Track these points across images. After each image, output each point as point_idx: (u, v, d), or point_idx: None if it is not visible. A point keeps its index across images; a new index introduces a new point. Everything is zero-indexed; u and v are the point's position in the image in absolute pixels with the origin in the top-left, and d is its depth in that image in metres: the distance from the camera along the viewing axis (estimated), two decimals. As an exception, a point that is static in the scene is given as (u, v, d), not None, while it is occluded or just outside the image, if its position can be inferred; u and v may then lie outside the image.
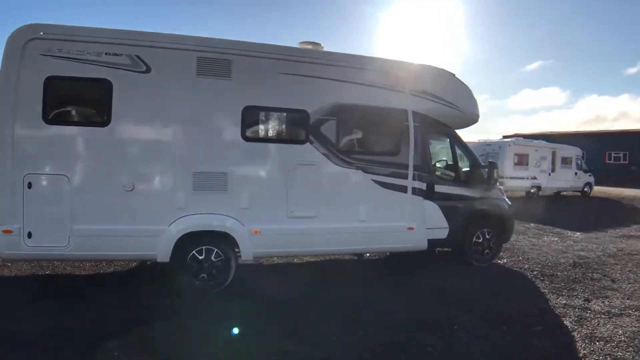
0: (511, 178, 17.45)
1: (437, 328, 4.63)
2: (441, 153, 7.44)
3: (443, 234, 6.70)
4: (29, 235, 4.85)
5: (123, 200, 5.10)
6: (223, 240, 5.46)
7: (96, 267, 6.41)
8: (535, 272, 6.80)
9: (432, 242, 6.65)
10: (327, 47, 6.21)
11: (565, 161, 19.90)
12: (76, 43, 4.94)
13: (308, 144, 5.78)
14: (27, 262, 6.05)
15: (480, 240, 7.05)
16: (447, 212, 6.68)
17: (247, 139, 5.53)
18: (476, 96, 7.14)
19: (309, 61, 5.84)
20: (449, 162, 7.28)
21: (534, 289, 6.04)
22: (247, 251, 5.55)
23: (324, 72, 5.86)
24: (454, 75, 6.78)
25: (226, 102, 5.43)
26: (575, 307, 5.29)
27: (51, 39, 4.88)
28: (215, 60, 5.38)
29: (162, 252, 5.22)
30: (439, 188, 6.63)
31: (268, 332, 4.40)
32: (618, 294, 5.82)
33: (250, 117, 5.55)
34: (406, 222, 6.33)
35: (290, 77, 5.69)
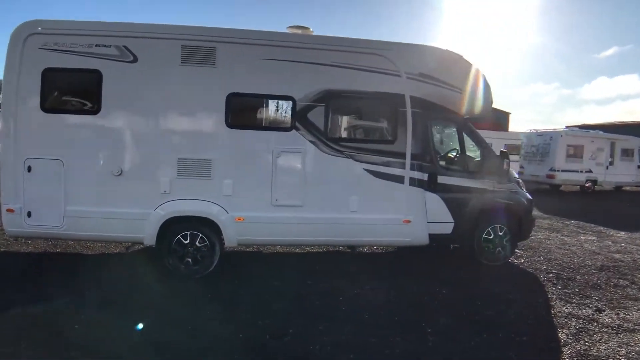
0: (563, 171, 15.62)
1: (408, 329, 4.12)
2: (454, 142, 6.66)
3: (447, 229, 6.01)
4: (29, 214, 5.08)
5: (112, 184, 5.15)
6: (207, 226, 5.34)
7: (105, 247, 6.63)
8: (551, 275, 5.90)
9: (434, 238, 6.01)
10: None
11: (627, 153, 17.35)
12: (69, 36, 5.02)
13: (294, 131, 5.43)
14: (28, 239, 6.33)
15: (492, 237, 6.25)
16: (452, 206, 5.98)
17: (231, 126, 5.32)
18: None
19: (296, 46, 5.45)
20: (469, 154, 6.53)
21: (541, 293, 5.21)
22: (231, 238, 5.39)
23: (312, 56, 5.44)
24: (461, 56, 5.99)
25: (210, 89, 5.24)
26: (580, 318, 4.46)
27: (48, 34, 5.00)
28: (200, 48, 5.21)
29: (148, 235, 5.21)
30: (443, 179, 5.94)
31: (222, 319, 4.22)
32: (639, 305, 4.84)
33: (234, 104, 5.32)
34: (402, 214, 5.76)
35: (275, 62, 5.36)
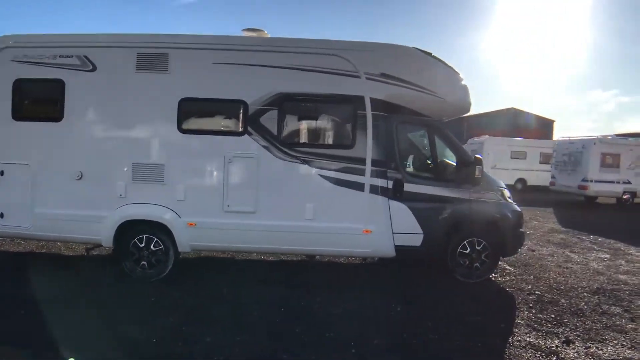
0: (597, 182, 13.77)
1: (331, 348, 3.60)
2: (424, 147, 5.90)
3: (416, 241, 5.30)
4: (1, 215, 5.17)
5: (73, 188, 5.11)
6: (161, 230, 5.12)
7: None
8: (532, 297, 4.97)
9: (402, 250, 5.33)
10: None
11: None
12: (37, 49, 5.09)
13: (246, 135, 5.08)
14: (2, 238, 6.41)
15: (468, 252, 5.44)
16: (421, 216, 5.27)
17: (183, 131, 5.09)
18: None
19: (248, 49, 5.12)
20: (440, 159, 5.80)
21: (509, 317, 4.35)
22: (184, 243, 5.13)
23: (264, 59, 5.08)
24: (429, 55, 5.32)
25: (163, 95, 5.06)
26: (539, 350, 3.62)
27: (18, 47, 5.11)
28: (153, 55, 5.06)
29: (105, 237, 5.10)
30: (410, 187, 5.27)
31: (148, 322, 3.98)
32: (624, 339, 3.86)
33: (186, 109, 5.09)
34: (362, 224, 5.16)
35: (227, 66, 5.07)
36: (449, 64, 5.48)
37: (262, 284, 5.17)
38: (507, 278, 5.71)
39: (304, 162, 5.11)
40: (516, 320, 4.25)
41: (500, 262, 6.37)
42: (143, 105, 5.10)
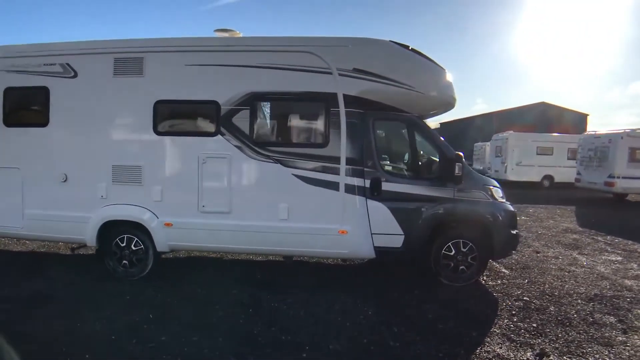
0: (625, 178, 12.57)
1: (287, 351, 3.43)
2: (404, 145, 5.52)
3: (397, 242, 4.98)
4: (-5, 216, 5.36)
5: (59, 190, 5.20)
6: (141, 230, 5.11)
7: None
8: (518, 303, 4.52)
9: (383, 251, 5.04)
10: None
11: None
12: (24, 58, 5.23)
13: (219, 136, 4.97)
14: None
15: (452, 254, 5.04)
16: (401, 216, 4.95)
17: (159, 133, 5.05)
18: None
19: (220, 50, 5.00)
20: (424, 156, 5.44)
21: (486, 325, 3.95)
22: (161, 243, 5.09)
23: (235, 59, 4.95)
24: (406, 48, 4.97)
25: (139, 98, 5.04)
26: (506, 363, 3.23)
27: (8, 57, 5.27)
28: (129, 60, 5.05)
29: (89, 237, 5.16)
30: (388, 186, 4.95)
31: (112, 318, 4.00)
32: (607, 354, 3.38)
33: (161, 111, 5.05)
34: (338, 224, 4.91)
35: (199, 68, 4.98)
36: (430, 57, 5.11)
37: (240, 284, 5.03)
38: (498, 282, 5.25)
39: (277, 161, 4.92)
40: (492, 329, 3.85)
41: (497, 265, 5.93)
42: (121, 109, 5.12)
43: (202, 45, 5.02)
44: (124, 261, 5.17)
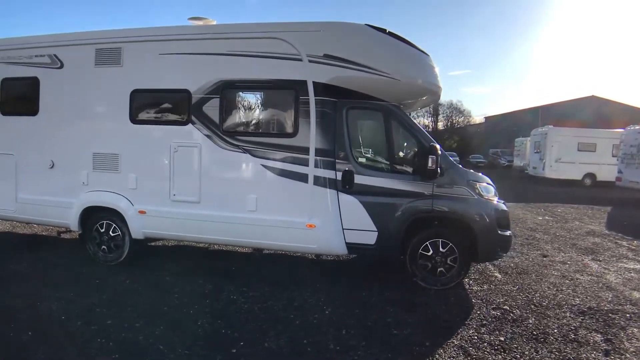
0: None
1: (212, 345, 3.22)
2: (380, 135, 5.05)
3: (369, 238, 4.62)
4: (-7, 199, 5.63)
5: (47, 176, 5.35)
6: (118, 217, 5.14)
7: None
8: (495, 312, 4.00)
9: (355, 248, 4.70)
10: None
11: None
12: (18, 50, 5.40)
13: (190, 125, 4.85)
14: None
15: (430, 254, 4.59)
16: (374, 211, 4.58)
17: (134, 121, 5.03)
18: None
19: (192, 38, 4.84)
20: (405, 149, 5.01)
21: (444, 336, 3.50)
22: (136, 230, 5.09)
23: (206, 47, 4.77)
24: (382, 31, 4.52)
25: (117, 87, 5.03)
26: (448, 380, 2.82)
27: (4, 49, 5.47)
28: (109, 50, 5.05)
29: (72, 221, 5.26)
30: (361, 179, 4.58)
31: (69, 299, 4.05)
32: (573, 380, 2.84)
33: (137, 100, 5.01)
34: (306, 217, 4.63)
35: (172, 57, 4.87)
36: (410, 42, 4.64)
37: (211, 274, 4.90)
38: (484, 287, 4.71)
39: (246, 151, 4.72)
40: (451, 340, 3.41)
41: (491, 268, 5.38)
42: (101, 98, 5.14)
43: (175, 34, 4.89)
44: (103, 246, 5.24)
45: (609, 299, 4.37)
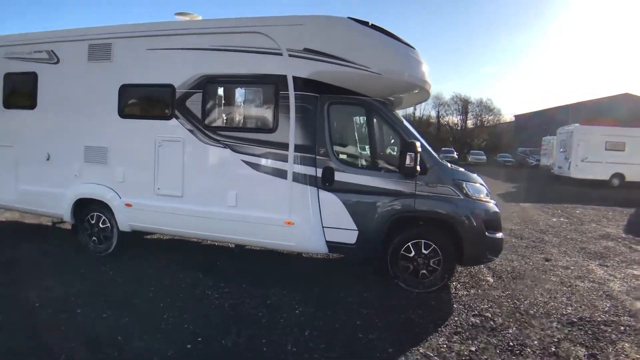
0: None
1: (160, 337, 3.17)
2: (362, 131, 4.83)
3: (350, 237, 4.45)
4: (-5, 189, 5.84)
5: (44, 167, 5.48)
6: (107, 209, 5.21)
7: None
8: (474, 319, 3.73)
9: (336, 247, 4.55)
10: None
11: None
12: (20, 46, 5.55)
13: (174, 119, 4.82)
14: None
15: (412, 255, 4.37)
16: (355, 210, 4.40)
17: (122, 115, 5.06)
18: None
19: (177, 33, 4.79)
20: (386, 146, 4.79)
21: (408, 342, 3.26)
22: (123, 222, 5.13)
23: (190, 42, 4.72)
24: (365, 24, 4.30)
25: (107, 82, 5.07)
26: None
27: (7, 45, 5.64)
28: (100, 46, 5.10)
29: (65, 212, 5.38)
30: (342, 176, 4.41)
31: (49, 291, 4.09)
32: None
33: (125, 95, 5.05)
34: (285, 214, 4.51)
35: (158, 52, 4.85)
36: (395, 35, 4.40)
37: (194, 269, 4.85)
38: (471, 291, 4.44)
39: (226, 146, 4.64)
40: (417, 347, 3.19)
41: (485, 271, 5.10)
42: (93, 92, 5.19)
43: (161, 29, 4.87)
44: (94, 237, 5.34)
45: (606, 308, 4.00)
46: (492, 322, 3.66)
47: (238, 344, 3.17)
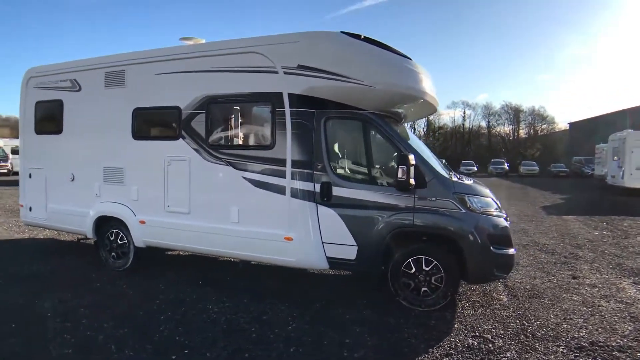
0: None
1: (157, 349, 3.37)
2: (359, 145, 4.81)
3: (350, 253, 4.49)
4: (30, 209, 6.50)
5: (69, 188, 6.05)
6: (124, 226, 5.63)
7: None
8: (473, 340, 3.61)
9: (336, 263, 4.61)
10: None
11: None
12: (48, 76, 6.24)
13: (181, 139, 5.17)
14: (32, 227, 7.72)
15: (412, 272, 4.32)
16: (354, 225, 4.45)
17: (136, 137, 5.49)
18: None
19: (182, 57, 5.15)
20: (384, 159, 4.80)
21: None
22: (138, 238, 5.51)
23: (194, 65, 5.07)
24: (357, 37, 4.41)
25: (122, 106, 5.54)
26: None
27: (38, 76, 6.35)
28: (115, 73, 5.61)
29: (88, 229, 5.87)
30: (340, 191, 4.49)
31: (57, 301, 4.49)
32: None
33: (138, 118, 5.48)
34: (284, 230, 4.64)
35: (165, 76, 5.25)
36: (389, 46, 4.48)
37: (204, 284, 5.07)
38: (478, 311, 4.28)
39: (229, 164, 4.89)
40: (402, 366, 3.17)
41: (501, 288, 4.92)
42: (110, 117, 5.69)
43: (168, 54, 5.27)
44: (113, 253, 5.77)
45: (626, 332, 3.70)
46: (490, 345, 3.51)
47: (221, 356, 3.29)
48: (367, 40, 4.44)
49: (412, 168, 4.02)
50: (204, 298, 4.64)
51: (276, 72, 4.58)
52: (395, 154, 4.30)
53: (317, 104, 4.54)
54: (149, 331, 3.76)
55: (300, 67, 4.47)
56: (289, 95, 4.53)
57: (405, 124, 6.25)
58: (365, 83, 4.31)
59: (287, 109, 4.54)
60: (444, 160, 6.25)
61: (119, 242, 5.70)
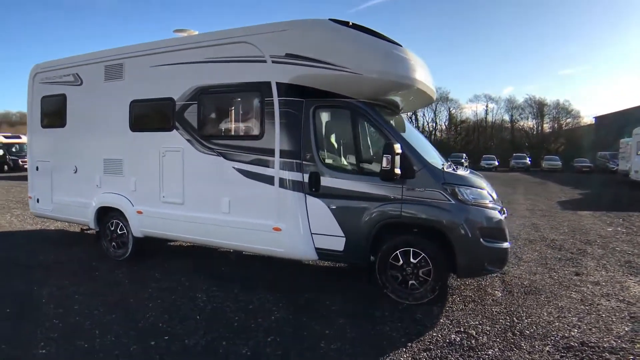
0: None
1: (142, 336, 3.41)
2: (347, 135, 4.70)
3: (338, 244, 4.45)
4: (38, 200, 6.72)
5: (73, 180, 6.22)
6: (123, 216, 5.74)
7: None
8: (456, 336, 3.50)
9: (325, 254, 4.58)
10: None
11: None
12: (52, 71, 6.40)
13: (174, 130, 5.21)
14: (39, 218, 7.90)
15: (400, 264, 4.23)
16: (341, 215, 4.40)
17: (133, 129, 5.58)
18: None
19: (174, 49, 5.18)
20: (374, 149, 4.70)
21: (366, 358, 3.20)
22: (136, 228, 5.62)
23: (186, 57, 5.09)
24: (344, 24, 4.31)
25: (120, 99, 5.63)
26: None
27: (43, 71, 6.52)
28: (114, 66, 5.70)
29: (90, 220, 6.03)
30: (328, 181, 4.44)
31: (52, 286, 4.65)
32: None
33: (135, 110, 5.56)
34: (272, 220, 4.63)
35: (159, 68, 5.30)
36: (378, 32, 4.36)
37: (198, 273, 5.12)
38: (468, 305, 4.15)
39: (219, 154, 4.90)
40: (377, 360, 3.10)
41: (498, 283, 4.77)
42: (109, 109, 5.79)
43: (162, 46, 5.31)
44: (114, 243, 5.90)
45: (622, 333, 3.50)
46: (473, 341, 3.40)
47: (198, 344, 3.31)
48: (356, 27, 4.34)
49: (397, 157, 3.91)
50: (194, 287, 4.69)
51: (265, 62, 4.55)
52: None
53: (305, 93, 4.49)
54: (136, 318, 3.83)
55: (288, 55, 4.42)
56: (277, 84, 4.49)
57: (406, 114, 6.12)
58: (352, 70, 4.22)
59: (276, 99, 4.51)
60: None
61: (119, 232, 5.83)
